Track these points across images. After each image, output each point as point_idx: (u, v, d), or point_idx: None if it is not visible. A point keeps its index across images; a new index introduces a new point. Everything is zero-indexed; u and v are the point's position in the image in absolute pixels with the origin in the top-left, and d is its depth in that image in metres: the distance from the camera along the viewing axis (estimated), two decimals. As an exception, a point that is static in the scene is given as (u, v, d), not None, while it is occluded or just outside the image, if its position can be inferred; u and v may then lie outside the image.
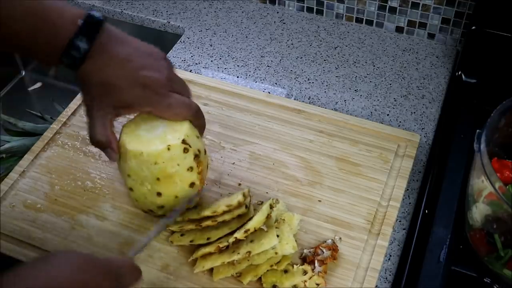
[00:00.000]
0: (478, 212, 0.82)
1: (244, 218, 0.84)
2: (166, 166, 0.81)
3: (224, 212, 0.84)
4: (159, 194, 0.82)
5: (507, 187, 0.82)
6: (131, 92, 0.77)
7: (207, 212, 0.84)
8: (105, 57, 0.76)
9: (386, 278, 0.87)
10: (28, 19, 0.73)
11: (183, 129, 0.82)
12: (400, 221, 0.93)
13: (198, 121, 0.85)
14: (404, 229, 0.92)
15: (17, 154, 1.08)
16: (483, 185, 0.79)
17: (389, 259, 0.89)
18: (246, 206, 0.84)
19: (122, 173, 0.84)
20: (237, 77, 1.19)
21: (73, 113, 1.08)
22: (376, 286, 0.85)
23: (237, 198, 0.84)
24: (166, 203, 0.84)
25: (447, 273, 0.84)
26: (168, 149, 0.80)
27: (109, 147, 0.80)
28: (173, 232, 0.87)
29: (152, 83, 0.78)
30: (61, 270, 0.61)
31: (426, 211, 0.93)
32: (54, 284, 0.59)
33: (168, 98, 0.80)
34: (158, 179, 0.81)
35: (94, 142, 0.80)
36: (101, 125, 0.79)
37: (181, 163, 0.82)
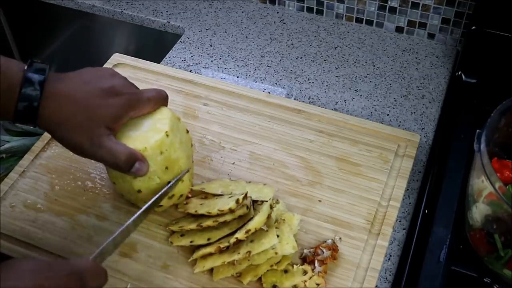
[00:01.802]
0: (478, 212, 0.82)
1: (244, 218, 0.84)
2: (170, 152, 0.82)
3: (225, 213, 0.84)
4: (168, 183, 0.84)
5: (507, 187, 0.82)
6: (111, 104, 0.77)
7: (201, 211, 0.85)
8: (63, 90, 0.76)
9: (386, 278, 0.87)
10: None
11: (164, 114, 0.84)
12: (400, 221, 0.93)
13: (166, 103, 0.87)
14: (404, 229, 0.92)
15: (17, 154, 1.08)
16: (483, 185, 0.79)
17: (389, 259, 0.89)
18: (247, 207, 0.84)
19: (123, 182, 0.84)
20: (237, 77, 1.19)
21: (73, 113, 1.08)
22: (376, 286, 0.85)
23: (229, 204, 0.83)
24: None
25: (447, 273, 0.84)
26: (167, 135, 0.81)
27: (138, 159, 0.79)
28: (173, 233, 0.87)
29: (121, 87, 0.79)
30: (19, 277, 0.61)
31: (426, 211, 0.93)
32: None
33: (142, 94, 0.82)
34: (166, 168, 0.82)
35: (123, 163, 0.77)
36: (114, 144, 0.77)
37: (180, 144, 0.84)
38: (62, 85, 0.76)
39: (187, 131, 0.88)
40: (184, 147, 0.85)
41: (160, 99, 0.85)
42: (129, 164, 0.78)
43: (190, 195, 0.91)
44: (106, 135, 0.77)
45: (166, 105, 0.86)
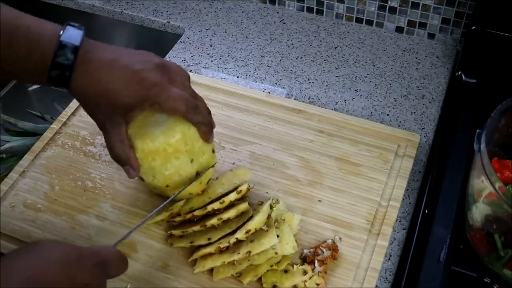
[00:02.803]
0: (478, 212, 0.82)
1: (243, 218, 0.84)
2: (193, 144, 0.83)
3: (228, 208, 0.85)
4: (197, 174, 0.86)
5: (507, 187, 0.81)
6: (130, 91, 0.76)
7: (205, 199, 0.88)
8: (93, 64, 0.75)
9: (386, 278, 0.87)
10: (9, 37, 0.73)
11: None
12: (400, 221, 0.93)
13: (195, 117, 0.82)
14: (404, 229, 0.92)
15: (17, 154, 1.08)
16: (483, 185, 0.79)
17: (389, 259, 0.89)
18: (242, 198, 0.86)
19: (153, 178, 0.84)
20: (237, 77, 1.19)
21: (73, 113, 1.08)
22: (376, 286, 0.85)
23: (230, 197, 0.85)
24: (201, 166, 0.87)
25: (447, 273, 0.84)
26: (188, 128, 0.82)
27: (128, 163, 0.80)
28: (171, 235, 0.87)
29: (147, 75, 0.77)
30: (48, 262, 0.61)
31: (426, 211, 0.93)
32: (41, 276, 0.59)
33: (166, 91, 0.78)
34: (191, 160, 0.84)
35: (113, 156, 0.80)
36: (117, 139, 0.79)
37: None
38: (95, 55, 0.75)
39: None
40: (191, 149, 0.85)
41: (179, 106, 0.80)
42: (121, 163, 0.80)
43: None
44: (116, 123, 0.78)
45: (186, 114, 0.81)
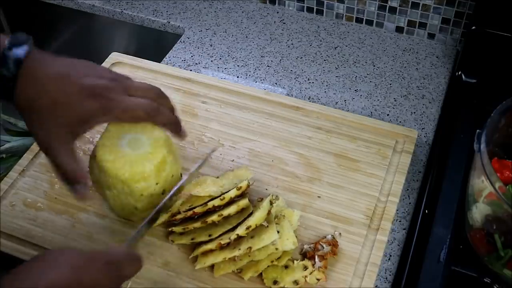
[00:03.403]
0: (478, 212, 0.82)
1: (244, 214, 0.84)
2: (166, 177, 0.84)
3: (229, 205, 0.85)
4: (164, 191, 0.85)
5: (507, 187, 0.82)
6: (81, 105, 0.73)
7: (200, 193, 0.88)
8: (39, 78, 0.72)
9: (386, 278, 0.87)
10: None
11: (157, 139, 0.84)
12: (400, 221, 0.93)
13: (160, 119, 0.81)
14: (404, 229, 0.92)
15: (17, 154, 1.08)
16: (483, 185, 0.79)
17: (389, 259, 0.89)
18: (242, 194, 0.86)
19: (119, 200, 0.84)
20: (237, 77, 1.19)
21: (73, 112, 1.08)
22: (376, 286, 0.85)
23: (230, 193, 0.85)
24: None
25: (447, 273, 0.84)
26: (163, 169, 0.83)
27: (80, 181, 0.75)
28: (172, 232, 0.87)
29: (97, 90, 0.74)
30: (60, 270, 0.61)
31: (426, 211, 0.93)
32: (55, 284, 0.59)
33: (120, 103, 0.76)
34: (163, 192, 0.85)
35: (61, 174, 0.75)
36: (65, 154, 0.74)
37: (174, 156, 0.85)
38: (40, 69, 0.72)
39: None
40: (176, 163, 0.87)
41: (140, 113, 0.78)
42: (71, 181, 0.75)
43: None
44: (63, 138, 0.73)
45: (151, 119, 0.80)
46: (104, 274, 0.63)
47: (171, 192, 0.85)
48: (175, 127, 0.84)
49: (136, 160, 0.81)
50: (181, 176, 0.89)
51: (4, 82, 0.71)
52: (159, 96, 0.82)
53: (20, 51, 0.72)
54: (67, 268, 0.61)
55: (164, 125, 0.82)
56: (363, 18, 1.29)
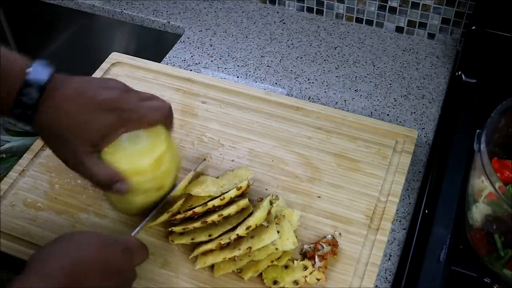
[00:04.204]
0: (478, 212, 0.82)
1: (244, 214, 0.84)
2: (163, 176, 0.85)
3: (229, 205, 0.85)
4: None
5: (507, 187, 0.82)
6: (98, 121, 0.75)
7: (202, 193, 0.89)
8: (57, 99, 0.73)
9: (386, 278, 0.87)
10: None
11: (159, 136, 0.84)
12: (400, 221, 0.93)
13: (170, 119, 0.84)
14: (404, 229, 0.92)
15: (17, 154, 1.08)
16: (483, 185, 0.79)
17: (389, 259, 0.89)
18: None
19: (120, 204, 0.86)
20: (237, 77, 1.19)
21: (73, 112, 1.08)
22: (376, 286, 0.85)
23: (230, 193, 0.86)
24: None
25: (447, 273, 0.84)
26: (161, 164, 0.83)
27: (116, 180, 0.78)
28: (172, 232, 0.87)
29: (113, 103, 0.75)
30: (86, 248, 0.66)
31: (426, 211, 0.93)
32: (79, 260, 0.64)
33: (136, 111, 0.77)
34: (158, 188, 0.85)
35: (98, 183, 0.78)
36: (94, 164, 0.76)
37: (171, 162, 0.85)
38: (59, 92, 0.74)
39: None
40: (174, 161, 0.86)
41: (156, 116, 0.81)
42: (110, 184, 0.78)
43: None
44: (89, 153, 0.75)
45: (165, 120, 0.83)
46: (123, 258, 0.69)
47: (173, 190, 0.86)
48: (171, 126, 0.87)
49: (134, 154, 0.81)
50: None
51: (25, 108, 0.72)
52: (169, 105, 0.84)
53: (42, 78, 0.72)
54: (92, 247, 0.67)
55: (170, 125, 0.85)
56: (363, 18, 1.29)
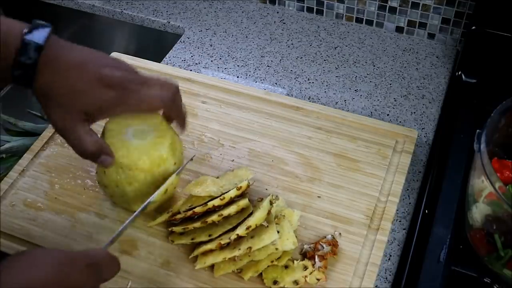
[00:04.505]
0: (478, 212, 0.82)
1: (244, 214, 0.84)
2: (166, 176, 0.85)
3: (229, 205, 0.85)
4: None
5: (507, 187, 0.82)
6: (97, 95, 0.74)
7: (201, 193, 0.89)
8: (59, 64, 0.73)
9: (386, 278, 0.87)
10: None
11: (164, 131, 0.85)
12: (400, 221, 0.93)
13: (172, 110, 0.83)
14: (404, 229, 0.92)
15: (17, 154, 1.07)
16: (483, 185, 0.79)
17: (389, 259, 0.89)
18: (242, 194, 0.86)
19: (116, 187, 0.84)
20: (237, 77, 1.19)
21: (73, 112, 1.08)
22: (376, 286, 0.85)
23: (230, 194, 0.85)
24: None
25: (447, 273, 0.84)
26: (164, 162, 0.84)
27: (104, 153, 0.78)
28: (172, 232, 0.87)
29: (116, 80, 0.75)
30: (40, 269, 0.60)
31: (426, 211, 0.93)
32: (35, 283, 0.59)
33: (137, 93, 0.77)
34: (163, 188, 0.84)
35: (87, 154, 0.77)
36: (85, 134, 0.76)
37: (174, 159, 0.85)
38: (60, 56, 0.73)
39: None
40: (177, 156, 0.87)
41: (155, 103, 0.79)
42: (96, 155, 0.78)
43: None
44: (81, 120, 0.75)
45: (166, 109, 0.83)
46: (85, 275, 0.63)
47: (160, 189, 0.84)
48: (182, 122, 0.86)
49: (150, 147, 0.82)
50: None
51: (25, 69, 0.71)
52: (174, 92, 0.82)
53: (40, 37, 0.71)
54: (47, 267, 0.61)
55: (175, 117, 0.84)
56: (363, 18, 1.29)
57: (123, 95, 0.76)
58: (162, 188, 0.83)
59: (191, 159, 0.94)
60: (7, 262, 0.61)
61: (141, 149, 0.82)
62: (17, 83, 0.72)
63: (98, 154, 0.78)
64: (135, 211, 0.81)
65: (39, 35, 0.72)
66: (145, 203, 0.82)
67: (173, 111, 0.84)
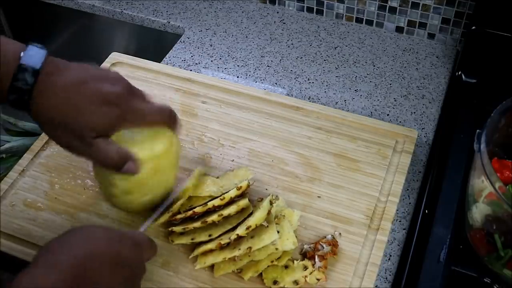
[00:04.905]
0: (478, 212, 0.82)
1: (244, 214, 0.84)
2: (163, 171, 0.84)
3: (229, 204, 0.85)
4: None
5: (507, 187, 0.82)
6: (99, 113, 0.73)
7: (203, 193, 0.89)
8: (57, 87, 0.71)
9: (386, 278, 0.87)
10: None
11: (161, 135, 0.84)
12: (400, 221, 0.93)
13: (173, 124, 0.83)
14: (404, 229, 0.92)
15: (17, 154, 1.08)
16: (483, 185, 0.79)
17: (389, 259, 0.89)
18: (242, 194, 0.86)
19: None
20: (237, 77, 1.19)
21: (73, 112, 1.08)
22: (376, 286, 0.85)
23: (230, 193, 0.86)
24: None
25: (447, 273, 0.84)
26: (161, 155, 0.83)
27: (130, 159, 0.77)
28: (172, 232, 0.87)
29: (119, 97, 0.74)
30: (95, 242, 0.66)
31: (426, 211, 0.93)
32: (91, 252, 0.64)
33: (140, 109, 0.77)
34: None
35: (113, 164, 0.76)
36: (107, 145, 0.75)
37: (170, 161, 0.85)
38: (58, 79, 0.72)
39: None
40: (175, 159, 0.86)
41: (158, 118, 0.80)
42: (121, 163, 0.76)
43: None
44: (95, 137, 0.74)
45: (170, 125, 0.82)
46: (132, 252, 0.69)
47: (176, 191, 0.87)
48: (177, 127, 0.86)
49: (152, 138, 0.81)
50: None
51: (20, 94, 0.70)
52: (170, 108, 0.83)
53: (36, 61, 0.71)
54: (103, 241, 0.67)
55: (173, 126, 0.84)
56: (363, 18, 1.29)
57: (125, 111, 0.75)
58: (188, 181, 0.88)
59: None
60: (63, 235, 0.66)
61: (144, 140, 0.81)
62: (13, 107, 0.72)
63: (123, 163, 0.77)
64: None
65: (36, 58, 0.71)
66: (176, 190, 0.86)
67: (174, 125, 0.83)
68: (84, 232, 0.68)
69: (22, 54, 0.70)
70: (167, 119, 0.82)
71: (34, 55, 0.71)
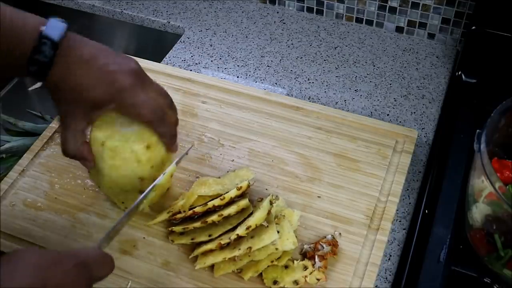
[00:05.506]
0: (478, 212, 0.82)
1: (244, 214, 0.84)
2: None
3: (229, 205, 0.85)
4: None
5: (507, 187, 0.82)
6: (98, 89, 0.76)
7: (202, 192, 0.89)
8: (71, 60, 0.75)
9: (386, 278, 0.87)
10: None
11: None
12: (400, 221, 0.93)
13: (160, 128, 0.82)
14: (404, 229, 0.92)
15: (17, 154, 1.07)
16: (483, 185, 0.79)
17: (389, 259, 0.89)
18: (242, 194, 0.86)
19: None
20: (237, 77, 1.19)
21: (73, 112, 1.08)
22: (376, 286, 0.85)
23: (230, 193, 0.85)
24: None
25: (447, 273, 0.84)
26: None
27: (82, 158, 0.82)
28: (172, 232, 0.87)
29: (118, 78, 0.76)
30: (23, 271, 0.58)
31: (426, 211, 0.93)
32: (14, 283, 0.57)
33: (133, 97, 0.78)
34: (148, 147, 0.83)
35: (67, 155, 0.82)
36: (72, 135, 0.79)
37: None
38: (74, 53, 0.75)
39: None
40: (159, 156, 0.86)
41: (145, 114, 0.80)
42: (75, 158, 0.83)
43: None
44: (77, 120, 0.78)
45: (152, 125, 0.82)
46: (72, 276, 0.61)
47: (156, 182, 0.83)
48: (170, 140, 0.85)
49: (139, 132, 0.82)
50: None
51: (40, 66, 0.73)
52: (169, 106, 0.84)
53: (56, 35, 0.73)
54: (30, 269, 0.59)
55: (162, 133, 0.83)
56: (363, 18, 1.29)
57: (119, 93, 0.77)
58: (161, 178, 0.84)
59: (186, 153, 0.92)
60: None
61: (134, 132, 0.82)
62: (31, 77, 0.75)
63: (78, 159, 0.82)
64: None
65: (55, 32, 0.73)
66: (141, 196, 0.82)
67: (160, 127, 0.82)
68: (14, 260, 0.59)
69: (42, 28, 0.73)
70: (150, 119, 0.80)
71: (54, 29, 0.74)
